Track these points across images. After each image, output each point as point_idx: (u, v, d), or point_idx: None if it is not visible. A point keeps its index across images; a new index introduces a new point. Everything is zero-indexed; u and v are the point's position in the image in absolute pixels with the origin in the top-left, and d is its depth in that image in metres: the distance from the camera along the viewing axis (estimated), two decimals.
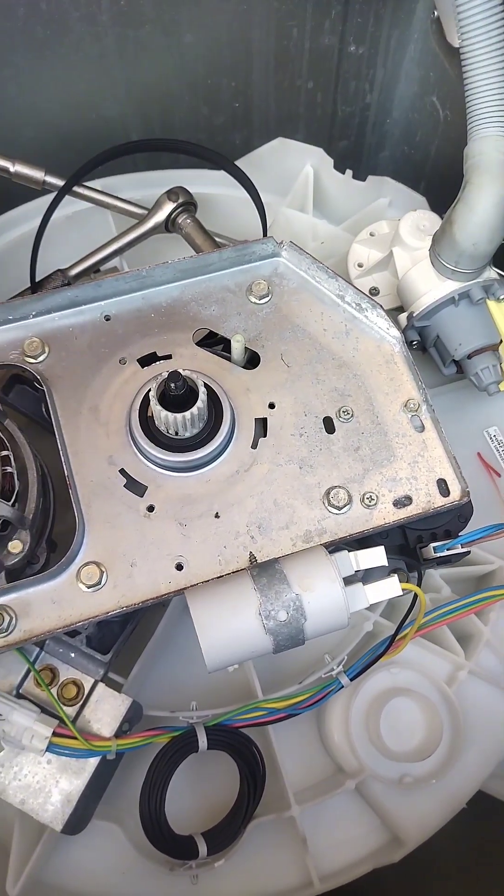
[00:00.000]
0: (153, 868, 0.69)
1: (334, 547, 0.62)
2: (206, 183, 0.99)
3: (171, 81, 1.06)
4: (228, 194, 0.99)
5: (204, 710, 0.70)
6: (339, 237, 0.95)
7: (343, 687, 0.67)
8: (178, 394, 0.60)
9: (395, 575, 0.57)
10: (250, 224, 0.96)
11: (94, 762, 0.66)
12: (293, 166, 0.99)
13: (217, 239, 0.88)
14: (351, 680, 0.67)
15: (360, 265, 0.87)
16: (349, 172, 0.97)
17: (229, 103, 1.11)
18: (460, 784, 0.71)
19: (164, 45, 1.01)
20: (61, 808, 0.65)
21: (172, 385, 0.59)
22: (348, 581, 0.55)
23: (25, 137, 1.08)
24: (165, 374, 0.62)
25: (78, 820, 0.65)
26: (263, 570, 0.54)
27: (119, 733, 0.67)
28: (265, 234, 0.88)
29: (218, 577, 0.60)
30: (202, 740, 0.67)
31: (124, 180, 1.01)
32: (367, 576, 0.63)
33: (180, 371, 0.60)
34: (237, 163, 0.93)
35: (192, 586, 0.60)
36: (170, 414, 0.61)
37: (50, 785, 0.66)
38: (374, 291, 0.86)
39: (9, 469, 0.62)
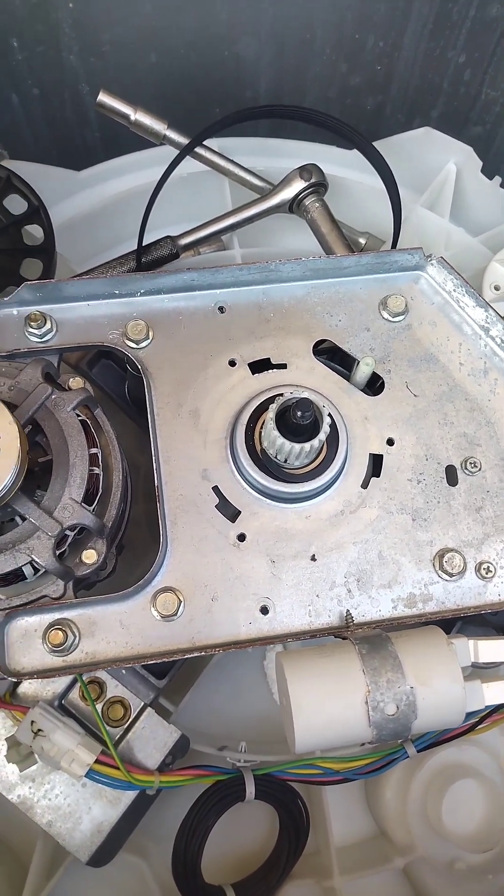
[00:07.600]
0: None
1: (435, 620, 0.55)
2: (333, 162, 0.90)
3: (315, 28, 0.96)
4: (355, 179, 0.90)
5: (253, 756, 0.64)
6: (474, 250, 0.85)
7: (408, 757, 0.60)
8: (302, 423, 0.52)
9: None
10: (377, 217, 0.86)
11: (131, 794, 0.61)
12: (435, 161, 0.89)
13: (343, 230, 0.79)
14: (418, 751, 0.60)
15: (496, 288, 0.77)
16: (497, 179, 0.86)
17: (371, 64, 1.01)
18: None
19: None
20: (90, 838, 0.60)
21: (299, 413, 0.52)
22: (465, 675, 0.48)
23: (148, 62, 0.98)
24: (289, 394, 0.54)
25: (105, 852, 0.60)
26: (374, 649, 0.47)
27: (162, 767, 0.62)
28: (397, 234, 0.79)
29: (309, 636, 0.54)
30: (250, 790, 0.61)
31: (242, 144, 0.92)
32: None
33: (311, 399, 0.52)
34: (374, 145, 0.82)
35: (278, 637, 0.54)
36: (287, 442, 0.53)
37: (82, 811, 0.60)
38: None
39: (96, 470, 0.55)
